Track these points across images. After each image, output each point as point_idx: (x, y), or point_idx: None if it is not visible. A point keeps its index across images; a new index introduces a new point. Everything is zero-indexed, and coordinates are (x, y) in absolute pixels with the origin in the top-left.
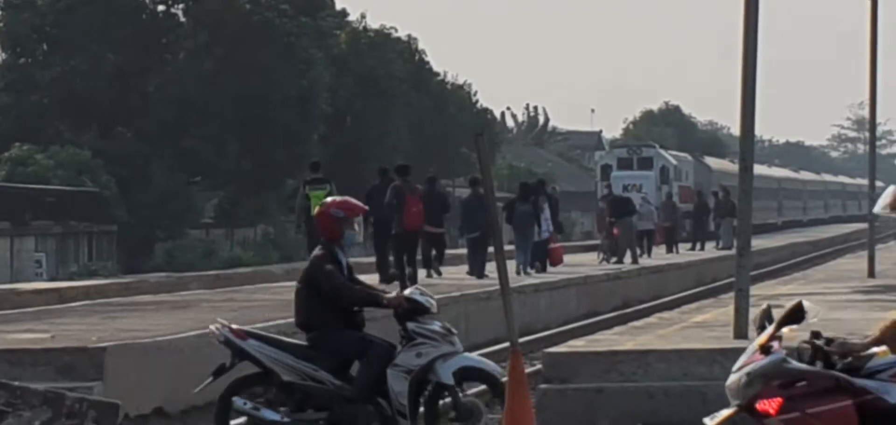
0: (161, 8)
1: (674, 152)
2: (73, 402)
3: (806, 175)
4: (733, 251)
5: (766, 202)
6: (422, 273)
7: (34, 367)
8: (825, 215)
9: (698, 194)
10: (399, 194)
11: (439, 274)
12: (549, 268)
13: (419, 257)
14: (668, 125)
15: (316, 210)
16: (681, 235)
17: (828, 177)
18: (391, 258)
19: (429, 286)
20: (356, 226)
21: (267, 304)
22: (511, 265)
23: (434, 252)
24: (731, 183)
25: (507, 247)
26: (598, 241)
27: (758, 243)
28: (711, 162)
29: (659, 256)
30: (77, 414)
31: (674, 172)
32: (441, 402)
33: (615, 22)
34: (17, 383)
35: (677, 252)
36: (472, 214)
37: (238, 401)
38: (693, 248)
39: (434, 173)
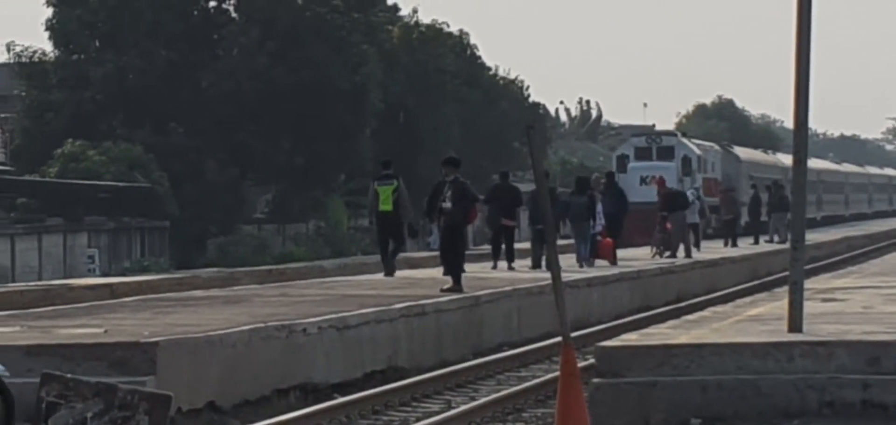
0: (212, 3)
1: (698, 141)
2: (125, 394)
3: (848, 167)
4: (785, 244)
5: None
6: (478, 265)
7: (87, 362)
8: (869, 210)
9: (753, 187)
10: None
11: (512, 268)
12: (598, 262)
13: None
14: (721, 119)
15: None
16: (740, 229)
17: (872, 170)
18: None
19: (483, 279)
20: None
21: (319, 299)
22: (567, 258)
23: (504, 245)
24: (762, 174)
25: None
26: None
27: (811, 237)
28: (741, 152)
29: (713, 250)
30: (129, 406)
31: (697, 163)
32: None
33: (669, 15)
34: (69, 375)
35: (736, 245)
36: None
37: None
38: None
39: (506, 169)
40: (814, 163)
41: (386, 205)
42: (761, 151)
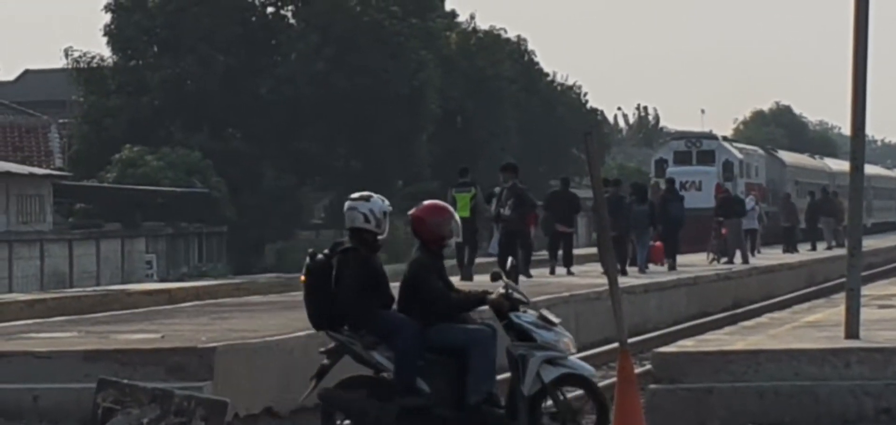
0: (270, 10)
1: (741, 145)
2: (182, 400)
3: None
4: (836, 251)
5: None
6: (535, 271)
7: (145, 367)
8: None
9: (811, 195)
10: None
11: (570, 273)
12: (653, 267)
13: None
14: (778, 125)
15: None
16: (799, 236)
17: None
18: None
19: (541, 285)
20: None
21: None
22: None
23: (562, 251)
24: (808, 179)
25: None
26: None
27: (867, 243)
28: (785, 156)
29: (771, 256)
30: (185, 412)
31: (740, 168)
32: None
33: (726, 21)
34: (125, 381)
35: (795, 251)
36: (611, 214)
37: None
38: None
39: (567, 175)
40: (865, 168)
41: (464, 212)
42: (808, 156)
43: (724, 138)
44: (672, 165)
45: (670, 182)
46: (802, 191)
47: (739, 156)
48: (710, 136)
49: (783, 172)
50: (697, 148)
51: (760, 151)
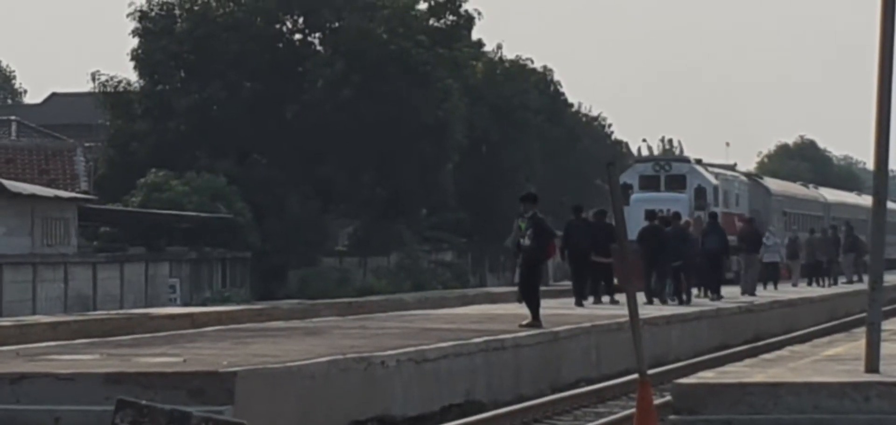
0: (297, 37)
1: (718, 170)
2: (199, 422)
3: None
4: (857, 286)
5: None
6: (557, 301)
7: (166, 391)
8: None
9: (833, 229)
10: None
11: (614, 302)
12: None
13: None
14: (803, 159)
15: None
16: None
17: None
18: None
19: (563, 315)
20: None
21: (398, 332)
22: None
23: (603, 281)
24: (798, 209)
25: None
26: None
27: (889, 278)
28: (772, 184)
29: (793, 290)
30: None
31: (715, 195)
32: None
33: (752, 55)
34: (144, 402)
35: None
36: (676, 245)
37: None
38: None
39: (603, 207)
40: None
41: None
42: (800, 185)
43: (697, 161)
44: (637, 191)
45: (712, 215)
46: (791, 222)
47: (714, 181)
48: (682, 159)
49: (768, 201)
50: (666, 172)
51: (742, 177)
